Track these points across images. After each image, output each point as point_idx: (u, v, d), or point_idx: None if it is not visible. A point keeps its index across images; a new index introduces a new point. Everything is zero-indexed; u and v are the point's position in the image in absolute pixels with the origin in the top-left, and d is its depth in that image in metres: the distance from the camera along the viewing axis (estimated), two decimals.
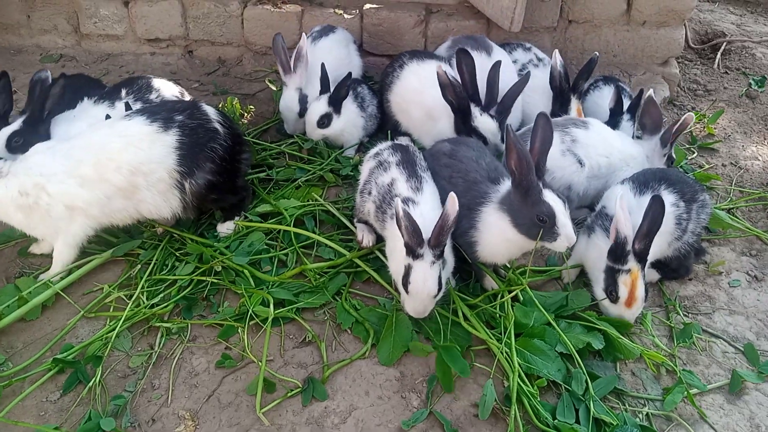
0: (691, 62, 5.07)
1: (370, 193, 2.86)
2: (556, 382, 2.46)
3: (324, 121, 3.59)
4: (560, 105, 3.64)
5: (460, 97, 3.27)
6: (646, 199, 2.67)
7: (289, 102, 3.72)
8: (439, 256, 2.45)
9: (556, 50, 3.61)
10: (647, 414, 2.41)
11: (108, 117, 3.29)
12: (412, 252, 2.43)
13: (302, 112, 3.70)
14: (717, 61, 5.01)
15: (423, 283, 2.43)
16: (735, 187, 3.66)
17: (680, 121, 3.21)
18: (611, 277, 2.63)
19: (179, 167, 2.87)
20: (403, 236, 2.41)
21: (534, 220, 2.44)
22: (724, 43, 5.13)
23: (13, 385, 2.44)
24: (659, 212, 2.52)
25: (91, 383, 2.43)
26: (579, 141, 3.14)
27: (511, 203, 2.53)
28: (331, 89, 3.58)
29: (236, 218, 3.17)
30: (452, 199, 2.36)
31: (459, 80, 3.31)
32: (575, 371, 2.45)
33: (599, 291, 2.70)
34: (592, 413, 2.32)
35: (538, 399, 2.36)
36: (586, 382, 2.42)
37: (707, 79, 4.83)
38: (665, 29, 4.44)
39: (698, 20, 5.44)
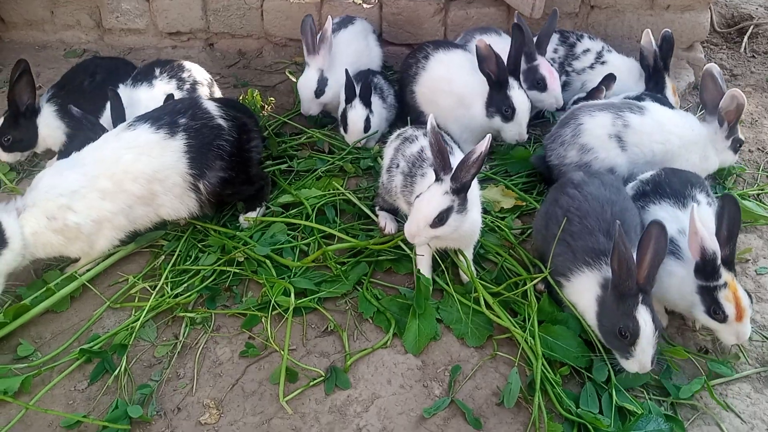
0: (717, 47, 4.96)
1: (398, 166, 2.85)
2: (579, 372, 2.44)
3: (367, 125, 3.59)
4: (655, 83, 3.68)
5: (501, 69, 3.28)
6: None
7: (307, 81, 3.71)
8: (456, 191, 2.39)
9: (648, 30, 3.65)
10: (672, 403, 2.38)
11: (171, 96, 3.41)
12: (436, 174, 2.42)
13: (318, 93, 3.69)
14: (744, 45, 4.90)
15: (426, 204, 2.41)
16: (763, 173, 3.59)
17: (728, 98, 3.03)
18: (710, 297, 2.40)
19: (191, 170, 2.90)
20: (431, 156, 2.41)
21: (615, 330, 2.28)
22: (751, 27, 5.01)
23: (42, 375, 2.49)
24: (736, 212, 2.39)
25: (116, 372, 2.47)
26: (632, 126, 3.05)
27: (605, 296, 2.37)
28: (357, 91, 3.56)
29: (258, 209, 3.18)
30: (487, 139, 2.34)
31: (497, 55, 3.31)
32: (597, 360, 2.43)
33: (701, 316, 2.44)
34: (615, 402, 2.30)
35: (561, 387, 2.35)
36: (609, 371, 2.40)
37: (733, 64, 4.73)
38: (690, 13, 4.35)
39: (724, 3, 5.32)
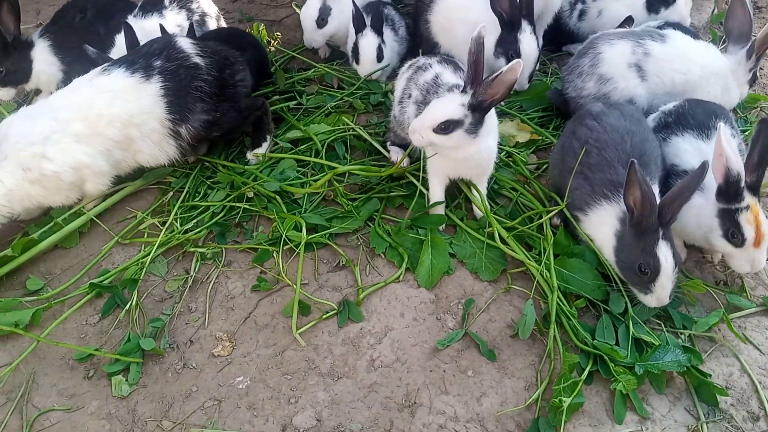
0: None
1: (410, 96, 2.76)
2: (596, 305, 2.41)
3: (380, 54, 3.47)
4: None
5: (514, 7, 3.14)
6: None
7: (308, 10, 3.59)
8: (473, 108, 2.31)
9: None
10: (690, 335, 2.35)
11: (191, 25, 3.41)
12: (464, 84, 2.35)
13: (320, 23, 3.57)
14: None
15: (439, 106, 2.35)
16: None
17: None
18: (730, 219, 2.32)
19: (170, 114, 2.78)
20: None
21: (635, 267, 2.24)
22: None
23: (53, 309, 2.48)
24: None
25: (127, 306, 2.45)
26: (652, 55, 2.94)
27: (624, 231, 2.30)
28: (368, 21, 3.43)
29: (264, 143, 3.09)
30: (517, 63, 2.23)
31: None
32: (613, 292, 2.39)
33: (718, 241, 2.37)
34: (632, 333, 2.27)
35: (577, 319, 2.32)
36: (626, 303, 2.36)
37: None
38: None
39: None
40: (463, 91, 2.34)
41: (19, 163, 2.59)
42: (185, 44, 2.89)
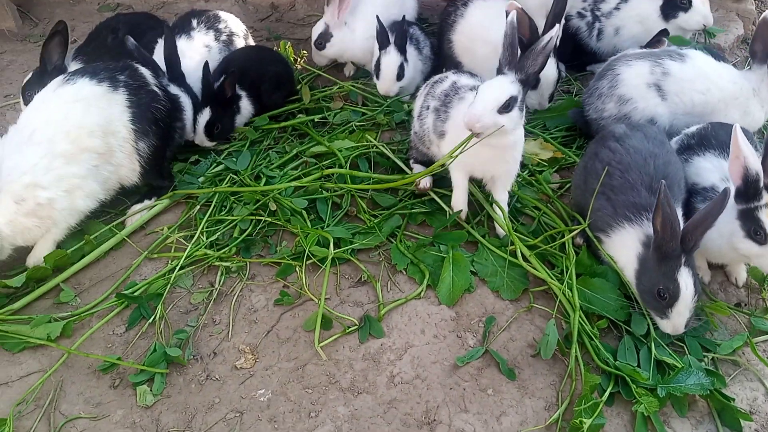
0: None
1: (428, 108, 2.80)
2: (618, 326, 2.40)
3: (401, 73, 3.49)
4: None
5: (533, 33, 3.15)
6: None
7: (313, 31, 3.71)
8: (522, 82, 2.33)
9: None
10: (713, 358, 2.33)
11: None
12: (500, 67, 2.37)
13: (318, 46, 3.67)
14: None
15: (495, 87, 2.33)
16: None
17: None
18: (751, 218, 2.31)
19: (134, 125, 2.84)
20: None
21: (654, 291, 2.24)
22: None
23: (82, 320, 2.54)
24: None
25: (151, 319, 2.50)
26: (672, 74, 2.94)
27: (647, 255, 2.31)
28: (391, 39, 3.46)
29: (148, 201, 3.03)
30: (556, 29, 2.29)
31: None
32: (635, 313, 2.38)
33: (742, 244, 2.34)
34: (654, 355, 2.26)
35: (599, 340, 2.31)
36: (648, 325, 2.35)
37: None
38: None
39: None
40: (502, 73, 2.36)
41: (12, 196, 2.53)
42: (146, 72, 3.01)
